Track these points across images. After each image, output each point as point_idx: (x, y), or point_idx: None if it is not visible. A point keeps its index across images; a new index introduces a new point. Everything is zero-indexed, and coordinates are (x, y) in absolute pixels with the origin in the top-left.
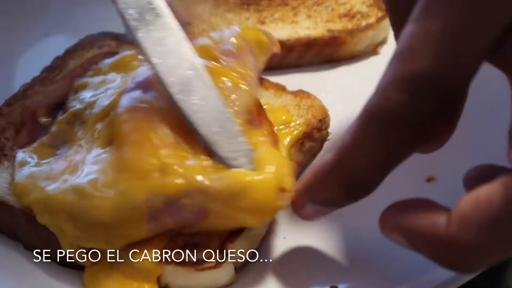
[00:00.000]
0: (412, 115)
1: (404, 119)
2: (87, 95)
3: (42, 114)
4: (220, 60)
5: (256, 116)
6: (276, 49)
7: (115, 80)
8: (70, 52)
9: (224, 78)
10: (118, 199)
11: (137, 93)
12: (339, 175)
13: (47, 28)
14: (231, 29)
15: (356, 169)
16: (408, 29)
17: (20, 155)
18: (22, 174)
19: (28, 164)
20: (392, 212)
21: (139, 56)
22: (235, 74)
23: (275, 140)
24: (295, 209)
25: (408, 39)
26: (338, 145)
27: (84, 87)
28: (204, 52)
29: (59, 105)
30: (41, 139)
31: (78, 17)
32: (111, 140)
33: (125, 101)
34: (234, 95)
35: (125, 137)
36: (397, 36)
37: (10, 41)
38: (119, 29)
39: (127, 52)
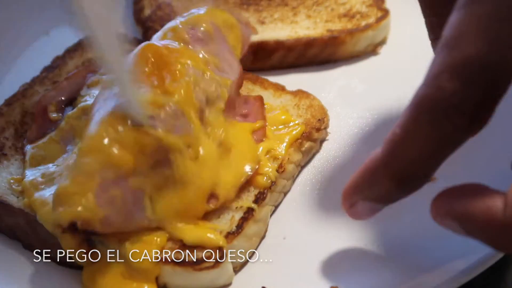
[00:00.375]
0: (466, 102)
1: (459, 107)
2: (97, 92)
3: (52, 110)
4: (189, 45)
5: (248, 114)
6: (253, 31)
7: None
8: (70, 52)
9: (188, 61)
10: (75, 167)
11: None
12: (391, 169)
13: (48, 28)
14: (199, 11)
15: (410, 161)
16: (455, 16)
17: (30, 150)
18: (31, 173)
19: (37, 163)
20: (445, 198)
21: None
22: (201, 57)
23: (260, 138)
24: (346, 209)
25: (456, 26)
26: (388, 138)
27: (96, 84)
28: (174, 34)
29: (70, 102)
30: (50, 135)
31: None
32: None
33: (99, 93)
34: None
35: (87, 122)
36: (430, 26)
37: (10, 40)
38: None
39: None
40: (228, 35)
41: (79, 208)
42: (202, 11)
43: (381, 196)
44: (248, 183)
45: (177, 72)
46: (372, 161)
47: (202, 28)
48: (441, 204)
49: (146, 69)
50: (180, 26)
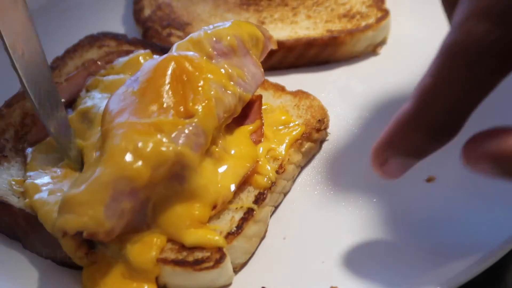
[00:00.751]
0: (497, 43)
1: (490, 49)
2: (97, 94)
3: None
4: (213, 58)
5: (247, 113)
6: (273, 45)
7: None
8: (69, 52)
9: (210, 75)
10: (90, 179)
11: (123, 89)
12: (423, 120)
13: (47, 28)
14: (226, 24)
15: (442, 109)
16: None
17: (31, 153)
18: (32, 174)
19: (37, 165)
20: (477, 141)
21: (155, 56)
22: (224, 72)
23: (258, 138)
24: (376, 167)
25: None
26: (418, 89)
27: (96, 85)
28: (198, 47)
29: (69, 103)
30: (51, 137)
31: (78, 17)
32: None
33: (112, 100)
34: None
35: (108, 133)
36: None
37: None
38: (119, 29)
39: (141, 51)
40: (251, 48)
41: (87, 219)
42: (227, 24)
43: (414, 149)
44: (248, 183)
45: (200, 88)
46: (403, 114)
47: (226, 42)
48: (473, 147)
49: (168, 82)
50: (204, 39)
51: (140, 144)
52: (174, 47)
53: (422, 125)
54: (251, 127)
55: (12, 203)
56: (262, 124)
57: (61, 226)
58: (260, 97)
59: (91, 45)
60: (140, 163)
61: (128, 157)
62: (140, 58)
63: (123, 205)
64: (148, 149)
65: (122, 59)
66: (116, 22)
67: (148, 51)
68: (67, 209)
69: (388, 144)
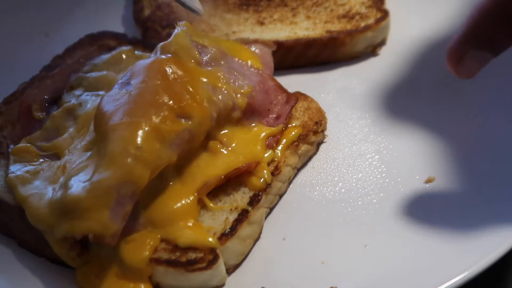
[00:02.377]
0: None
1: None
2: (82, 92)
3: (37, 108)
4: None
5: (278, 112)
6: (271, 47)
7: (113, 79)
8: (70, 51)
9: (203, 78)
10: (93, 183)
11: (115, 91)
12: (504, 12)
13: (47, 28)
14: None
15: None
16: None
17: (13, 149)
18: (15, 169)
19: (21, 160)
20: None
21: (136, 52)
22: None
23: (272, 144)
24: (452, 64)
25: None
26: None
27: (79, 83)
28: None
29: (54, 100)
30: (34, 134)
31: (78, 17)
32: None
33: (105, 100)
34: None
35: (105, 134)
36: None
37: (10, 40)
38: (119, 29)
39: (123, 48)
40: (238, 55)
41: (93, 223)
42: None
43: (495, 42)
44: (243, 184)
45: (193, 90)
46: (485, 8)
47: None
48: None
49: (159, 83)
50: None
51: (141, 148)
52: (158, 47)
53: (503, 15)
54: (268, 131)
55: (8, 201)
56: (282, 131)
57: (67, 232)
58: (296, 99)
59: (91, 44)
60: (143, 167)
61: (132, 161)
62: (123, 55)
63: (126, 208)
64: (149, 153)
65: (105, 56)
66: (116, 22)
67: (130, 47)
68: (72, 214)
69: (467, 37)
